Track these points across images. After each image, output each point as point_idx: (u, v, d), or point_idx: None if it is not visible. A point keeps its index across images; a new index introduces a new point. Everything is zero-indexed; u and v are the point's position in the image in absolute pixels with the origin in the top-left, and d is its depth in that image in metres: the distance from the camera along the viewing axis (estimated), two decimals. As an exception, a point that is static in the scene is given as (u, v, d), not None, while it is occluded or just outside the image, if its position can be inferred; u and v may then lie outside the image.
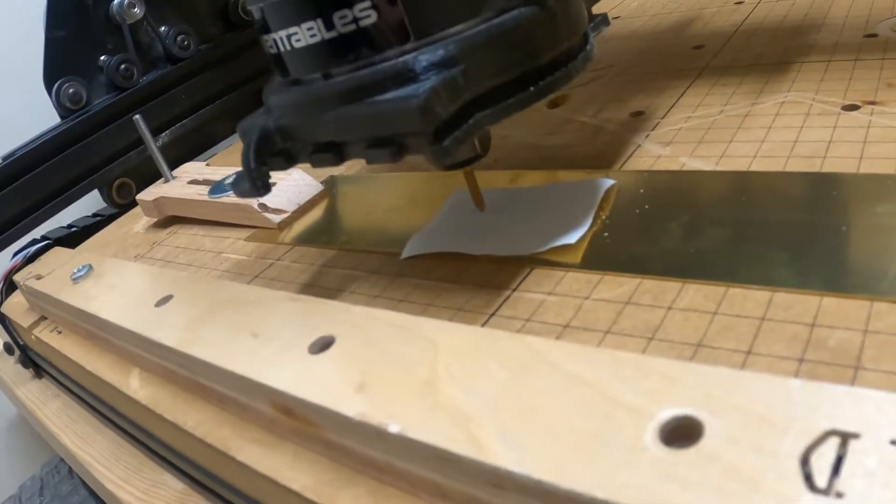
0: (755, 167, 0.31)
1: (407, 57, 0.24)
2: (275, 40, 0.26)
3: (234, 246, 0.41)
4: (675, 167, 0.32)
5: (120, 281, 0.36)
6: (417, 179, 0.39)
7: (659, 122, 0.37)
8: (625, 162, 0.34)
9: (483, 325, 0.26)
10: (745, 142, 0.33)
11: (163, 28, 0.58)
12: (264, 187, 0.26)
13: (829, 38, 0.40)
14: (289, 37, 0.25)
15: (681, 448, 0.16)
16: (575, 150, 0.36)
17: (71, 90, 0.53)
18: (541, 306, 0.26)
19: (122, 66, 0.55)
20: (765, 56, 0.40)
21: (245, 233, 0.42)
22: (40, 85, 0.53)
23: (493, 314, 0.27)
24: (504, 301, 0.27)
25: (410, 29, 0.24)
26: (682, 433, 0.17)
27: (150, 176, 0.58)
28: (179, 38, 0.58)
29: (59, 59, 0.53)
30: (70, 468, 0.59)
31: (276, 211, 0.41)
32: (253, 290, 0.29)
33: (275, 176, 0.43)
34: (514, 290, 0.27)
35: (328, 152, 0.26)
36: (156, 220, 0.50)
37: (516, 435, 0.17)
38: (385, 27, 0.24)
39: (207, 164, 0.50)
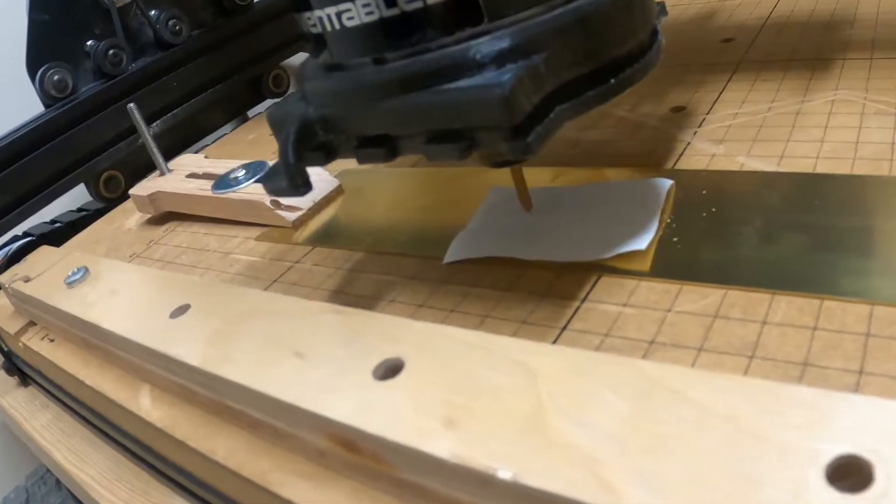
0: (821, 169, 0.28)
1: (482, 41, 0.20)
2: (320, 18, 0.22)
3: (244, 246, 0.37)
4: (733, 167, 0.29)
5: (122, 286, 0.32)
6: (443, 176, 0.35)
7: (704, 119, 0.33)
8: (677, 160, 0.31)
9: (555, 340, 0.23)
10: (804, 142, 0.30)
11: (153, 12, 0.53)
12: (304, 185, 0.22)
13: (864, 35, 0.38)
14: (339, 14, 0.21)
15: (854, 492, 0.13)
16: (616, 146, 0.33)
17: (56, 77, 0.48)
18: (618, 320, 0.23)
19: (111, 52, 0.50)
20: (800, 51, 0.38)
21: (254, 231, 0.38)
22: (23, 71, 0.48)
23: (564, 328, 0.23)
24: (574, 313, 0.24)
25: (484, 10, 0.20)
26: (847, 474, 0.14)
27: (140, 168, 0.53)
28: (171, 23, 0.53)
29: (44, 44, 0.47)
30: (58, 479, 0.54)
31: (290, 208, 0.36)
32: (285, 299, 0.25)
33: (286, 171, 0.40)
34: (583, 300, 0.24)
35: (378, 147, 0.22)
36: (150, 216, 0.46)
37: (654, 478, 0.14)
38: (456, 7, 0.20)
39: (206, 157, 0.46)
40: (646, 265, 0.25)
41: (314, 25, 0.22)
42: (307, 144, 0.23)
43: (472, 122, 0.20)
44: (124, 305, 0.30)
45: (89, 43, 0.50)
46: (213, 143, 0.60)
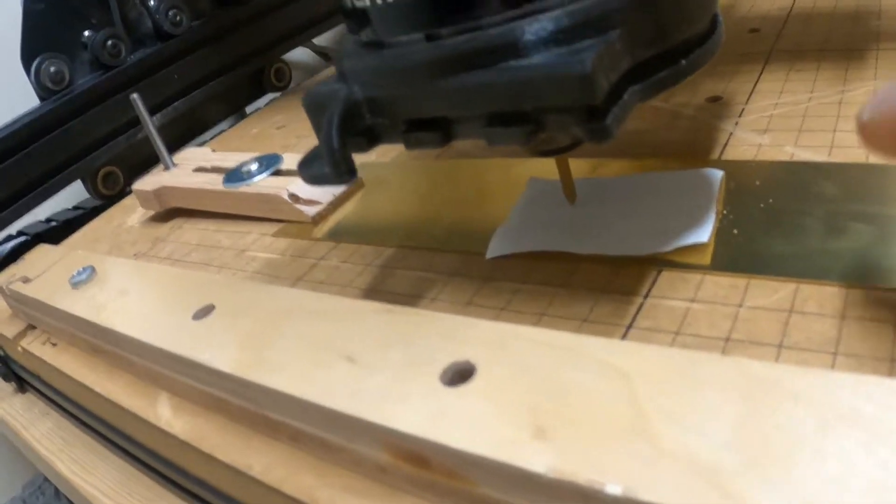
0: (874, 160, 0.26)
1: (554, 14, 0.18)
2: (368, -11, 0.19)
3: (261, 243, 0.34)
4: (783, 157, 0.28)
5: (133, 285, 0.29)
6: (472, 167, 0.33)
7: (744, 109, 0.32)
8: (722, 151, 0.29)
9: (623, 338, 0.21)
10: (852, 132, 0.28)
11: (152, 2, 0.50)
12: (349, 172, 0.20)
13: (893, 25, 0.37)
14: (391, -16, 0.19)
15: None
16: (655, 136, 0.31)
17: (52, 68, 0.45)
18: (687, 316, 0.21)
19: (109, 43, 0.47)
20: (831, 42, 0.36)
21: (269, 227, 0.36)
22: (17, 62, 0.45)
23: (630, 326, 0.21)
24: (638, 310, 0.22)
25: (555, -21, 0.18)
26: None
27: (139, 164, 0.51)
28: (171, 13, 0.50)
29: (39, 34, 0.45)
30: (56, 489, 0.51)
31: (309, 202, 0.34)
32: (324, 297, 0.23)
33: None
34: (646, 296, 0.22)
35: (431, 131, 0.20)
36: (153, 213, 0.43)
37: (784, 487, 0.12)
38: (524, -24, 0.18)
39: (213, 150, 0.43)
40: (706, 258, 0.23)
41: (360, -1, 0.20)
42: (351, 128, 0.21)
43: (545, 103, 0.18)
44: (139, 307, 0.27)
45: (87, 33, 0.47)
46: (211, 138, 0.58)
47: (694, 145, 0.30)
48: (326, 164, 0.20)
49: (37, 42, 0.44)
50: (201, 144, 0.56)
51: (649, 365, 0.16)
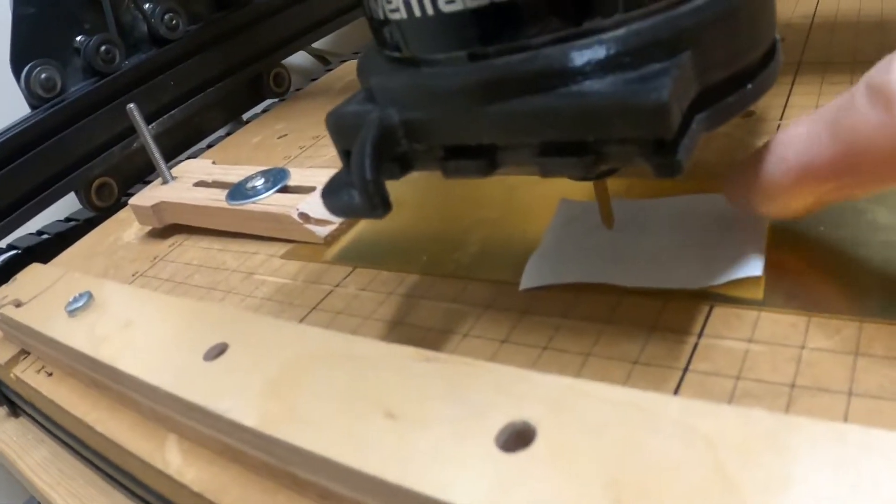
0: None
1: (618, 33, 0.16)
2: (406, 3, 0.17)
3: (269, 265, 0.32)
4: (828, 177, 0.26)
5: (137, 316, 0.27)
6: (498, 186, 0.31)
7: (780, 125, 0.30)
8: (763, 170, 0.27)
9: (679, 384, 0.19)
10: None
11: (147, 5, 0.47)
12: (384, 205, 0.18)
13: (923, 34, 0.35)
14: (434, -3, 0.17)
15: None
16: (689, 155, 0.30)
17: (43, 75, 0.42)
18: (746, 358, 0.19)
19: (103, 49, 0.44)
20: (862, 52, 0.35)
21: (277, 247, 0.33)
22: (6, 70, 0.42)
23: (686, 369, 0.19)
24: (693, 350, 0.20)
25: (620, -5, 0.16)
26: None
27: (134, 175, 0.48)
28: (166, 17, 0.48)
29: (29, 40, 0.42)
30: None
31: (322, 222, 0.32)
32: (356, 341, 0.20)
33: (312, 178, 0.35)
34: (700, 335, 0.20)
35: (474, 158, 0.18)
36: (151, 228, 0.41)
37: None
38: (585, -10, 0.16)
39: (214, 163, 0.41)
40: (759, 293, 0.21)
41: (395, 10, 0.18)
42: (386, 155, 0.19)
43: (611, 134, 0.16)
44: (143, 341, 0.25)
45: (79, 38, 0.44)
46: (209, 147, 0.55)
47: (732, 165, 0.28)
48: (358, 196, 0.18)
49: (27, 48, 0.42)
50: (198, 153, 0.53)
51: (734, 429, 0.14)
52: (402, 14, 0.18)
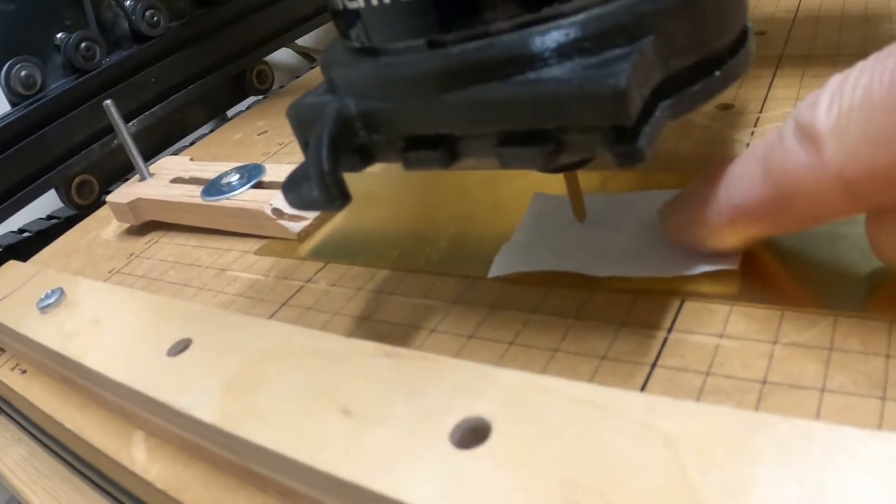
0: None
1: (577, 19, 0.15)
2: (363, -10, 0.17)
3: (242, 261, 0.32)
4: (806, 169, 0.25)
5: (106, 313, 0.27)
6: (471, 180, 0.31)
7: (759, 117, 0.30)
8: (739, 162, 0.27)
9: (646, 380, 0.18)
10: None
11: (128, 2, 0.47)
12: (342, 196, 0.18)
13: (906, 27, 0.35)
14: (390, -16, 0.16)
15: None
16: (667, 148, 0.29)
17: (23, 72, 0.42)
18: (717, 354, 0.19)
19: (83, 45, 0.44)
20: (845, 46, 0.34)
21: (251, 244, 0.33)
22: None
23: (654, 364, 0.19)
24: (663, 346, 0.19)
25: (577, -22, 0.15)
26: None
27: (114, 172, 0.48)
28: (148, 14, 0.47)
29: (9, 37, 0.41)
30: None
31: (295, 218, 0.31)
32: (318, 336, 0.20)
33: (288, 173, 0.35)
34: (670, 330, 0.20)
35: (434, 149, 0.18)
36: (129, 225, 0.40)
37: None
38: (542, -25, 0.15)
39: (191, 159, 0.40)
40: (734, 287, 0.21)
41: (353, 0, 0.17)
42: (344, 147, 0.18)
43: (570, 121, 0.15)
44: (110, 338, 0.25)
45: (59, 35, 0.43)
46: (191, 144, 0.55)
47: (710, 158, 0.28)
48: (316, 188, 0.18)
49: (7, 45, 0.41)
50: (180, 150, 0.53)
51: (697, 428, 0.14)
52: (360, 3, 0.17)
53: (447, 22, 0.16)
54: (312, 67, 0.63)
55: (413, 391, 0.16)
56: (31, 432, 0.33)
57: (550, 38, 0.15)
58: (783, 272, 0.21)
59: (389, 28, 0.17)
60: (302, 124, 0.19)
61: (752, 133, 0.28)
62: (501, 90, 0.16)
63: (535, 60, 0.15)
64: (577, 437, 0.14)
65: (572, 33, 0.15)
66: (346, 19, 0.18)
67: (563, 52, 0.15)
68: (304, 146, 0.20)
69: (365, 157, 0.19)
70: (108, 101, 0.37)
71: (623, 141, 0.15)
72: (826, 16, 0.38)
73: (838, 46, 0.34)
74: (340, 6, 0.18)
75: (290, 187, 0.19)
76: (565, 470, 0.13)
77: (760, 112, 0.30)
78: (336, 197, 0.17)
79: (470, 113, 0.16)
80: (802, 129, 0.16)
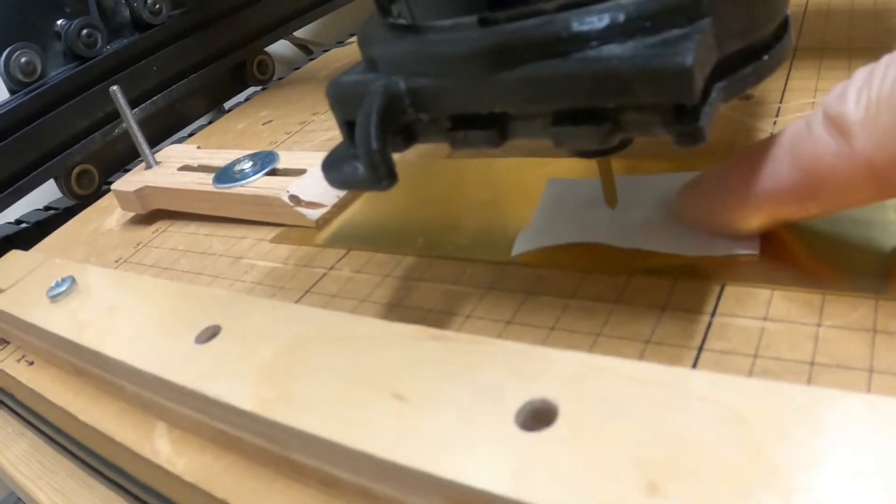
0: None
1: (635, -1, 0.15)
2: (413, -36, 0.16)
3: (258, 249, 0.31)
4: (832, 158, 0.25)
5: (121, 301, 0.26)
6: (489, 167, 0.30)
7: (780, 107, 0.30)
8: (765, 151, 0.26)
9: (695, 363, 0.18)
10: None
11: (130, -11, 0.46)
12: (389, 175, 0.17)
13: (917, 22, 0.35)
14: (443, -43, 0.16)
15: None
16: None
17: (23, 59, 0.40)
18: (763, 337, 0.19)
19: (84, 32, 0.43)
20: (858, 39, 0.34)
21: (266, 232, 0.32)
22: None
23: (700, 348, 0.19)
24: (708, 329, 0.19)
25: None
26: None
27: (116, 162, 0.47)
28: (150, 2, 0.46)
29: (9, 23, 0.40)
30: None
31: (313, 205, 0.31)
32: (355, 320, 0.19)
33: (302, 161, 0.34)
34: (713, 314, 0.20)
35: (483, 128, 0.17)
36: (133, 214, 0.39)
37: None
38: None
39: (199, 147, 0.39)
40: (771, 271, 0.21)
41: (401, -25, 0.17)
42: (391, 125, 0.18)
43: (632, 100, 0.15)
44: (129, 326, 0.24)
45: (60, 22, 0.42)
46: (190, 135, 0.54)
47: (733, 147, 0.27)
48: (364, 167, 0.17)
49: (7, 31, 0.40)
50: (180, 141, 0.52)
51: (766, 404, 0.13)
52: (408, -24, 0.17)
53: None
54: (311, 59, 0.62)
55: (466, 374, 0.16)
56: (36, 426, 0.32)
57: (611, 15, 0.15)
58: (820, 259, 0.21)
59: (442, 4, 0.17)
60: (343, 102, 0.19)
61: (775, 123, 0.28)
62: (561, 68, 0.15)
63: (595, 38, 0.15)
64: (645, 416, 0.13)
65: (634, 12, 0.15)
66: (387, -5, 0.18)
67: (625, 30, 0.15)
68: (345, 125, 0.19)
69: (408, 137, 0.19)
70: (115, 87, 0.36)
71: (684, 121, 0.15)
72: (835, 9, 0.38)
73: (850, 39, 0.34)
74: (385, -20, 0.18)
75: (331, 167, 0.19)
76: (639, 449, 0.13)
77: (780, 102, 0.30)
78: (384, 176, 0.17)
79: (526, 91, 0.16)
80: (832, 119, 0.17)
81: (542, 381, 0.15)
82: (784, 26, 0.19)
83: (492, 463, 0.13)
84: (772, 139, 0.19)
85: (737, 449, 0.12)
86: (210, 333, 0.21)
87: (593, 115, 0.16)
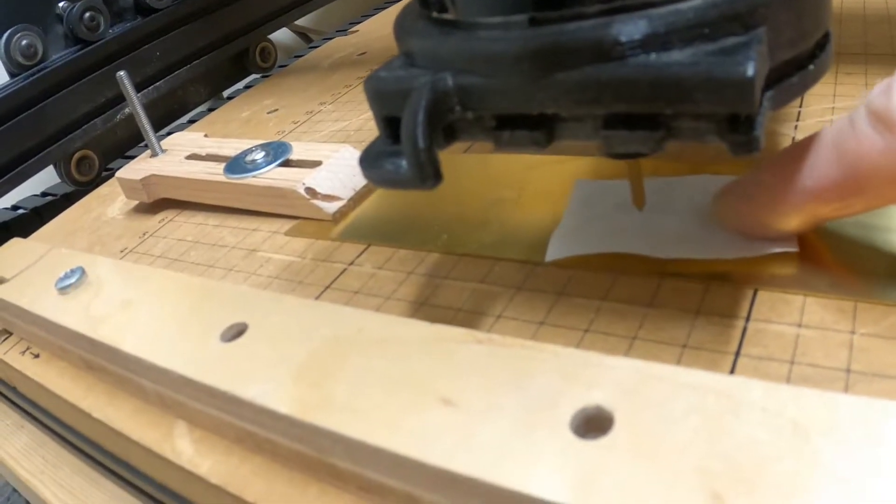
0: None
1: (694, 4, 0.15)
2: (465, -41, 0.16)
3: (272, 242, 0.30)
4: (855, 163, 0.25)
5: (136, 295, 0.25)
6: (512, 164, 0.30)
7: (800, 112, 0.30)
8: (788, 155, 0.26)
9: (732, 368, 0.18)
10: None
11: (133, -29, 0.45)
12: (435, 175, 0.17)
13: (927, 28, 0.35)
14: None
15: None
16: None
17: (24, 42, 0.39)
18: (798, 343, 0.19)
19: (87, 15, 0.41)
20: (874, 45, 0.34)
21: (278, 224, 0.32)
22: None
23: (737, 353, 0.18)
24: (743, 335, 0.19)
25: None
26: None
27: (116, 148, 0.46)
28: (153, -15, 0.45)
29: (10, 5, 0.39)
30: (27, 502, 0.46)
31: (328, 198, 0.30)
32: (390, 321, 0.19)
33: (315, 152, 0.33)
34: (748, 319, 0.19)
35: (532, 129, 0.17)
36: (137, 203, 0.38)
37: None
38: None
39: (206, 136, 0.39)
40: (793, 268, 0.21)
41: (450, -30, 0.17)
42: (438, 123, 0.17)
43: (689, 107, 0.15)
44: (147, 321, 0.23)
45: (62, 4, 0.41)
46: (189, 122, 0.53)
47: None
48: (408, 165, 0.17)
49: (7, 13, 0.39)
50: (180, 128, 0.51)
51: (821, 414, 0.13)
52: (459, -28, 0.16)
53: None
54: (312, 47, 0.61)
55: (517, 380, 0.15)
56: (39, 419, 0.31)
57: (670, 21, 0.15)
58: (851, 265, 0.21)
59: (499, 1, 0.16)
60: (382, 98, 0.18)
61: (796, 127, 0.28)
62: (619, 71, 0.15)
63: (655, 43, 0.15)
64: (702, 424, 0.13)
65: (694, 18, 0.15)
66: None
67: (684, 36, 0.15)
68: (384, 121, 0.18)
69: (449, 134, 0.18)
70: (122, 73, 0.35)
71: (740, 130, 0.15)
72: (848, 15, 0.38)
73: (866, 45, 0.34)
74: (431, -24, 0.17)
75: (370, 164, 0.18)
76: (698, 458, 0.13)
77: (800, 107, 0.30)
78: (430, 176, 0.17)
79: (581, 94, 0.16)
80: (877, 115, 0.17)
81: (595, 387, 0.15)
82: (826, 37, 0.19)
83: (552, 471, 0.13)
84: (811, 138, 0.19)
85: (797, 459, 0.12)
86: (236, 331, 0.21)
87: (647, 120, 0.15)
